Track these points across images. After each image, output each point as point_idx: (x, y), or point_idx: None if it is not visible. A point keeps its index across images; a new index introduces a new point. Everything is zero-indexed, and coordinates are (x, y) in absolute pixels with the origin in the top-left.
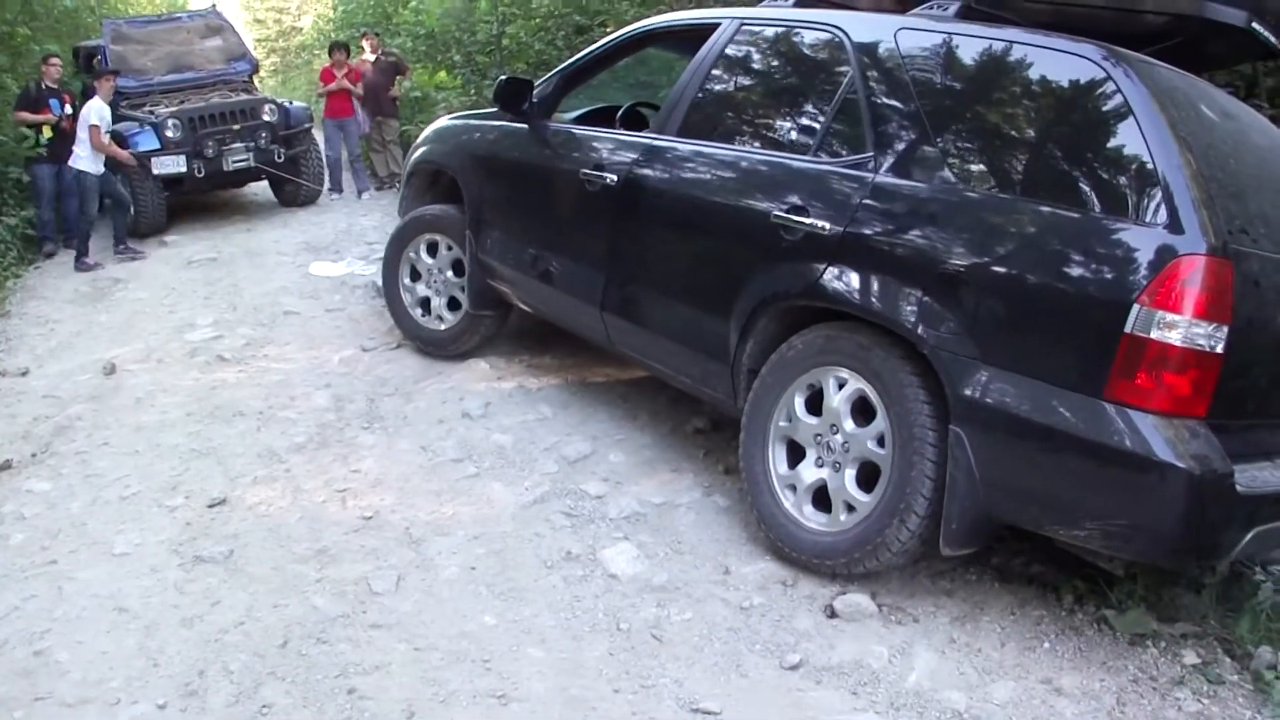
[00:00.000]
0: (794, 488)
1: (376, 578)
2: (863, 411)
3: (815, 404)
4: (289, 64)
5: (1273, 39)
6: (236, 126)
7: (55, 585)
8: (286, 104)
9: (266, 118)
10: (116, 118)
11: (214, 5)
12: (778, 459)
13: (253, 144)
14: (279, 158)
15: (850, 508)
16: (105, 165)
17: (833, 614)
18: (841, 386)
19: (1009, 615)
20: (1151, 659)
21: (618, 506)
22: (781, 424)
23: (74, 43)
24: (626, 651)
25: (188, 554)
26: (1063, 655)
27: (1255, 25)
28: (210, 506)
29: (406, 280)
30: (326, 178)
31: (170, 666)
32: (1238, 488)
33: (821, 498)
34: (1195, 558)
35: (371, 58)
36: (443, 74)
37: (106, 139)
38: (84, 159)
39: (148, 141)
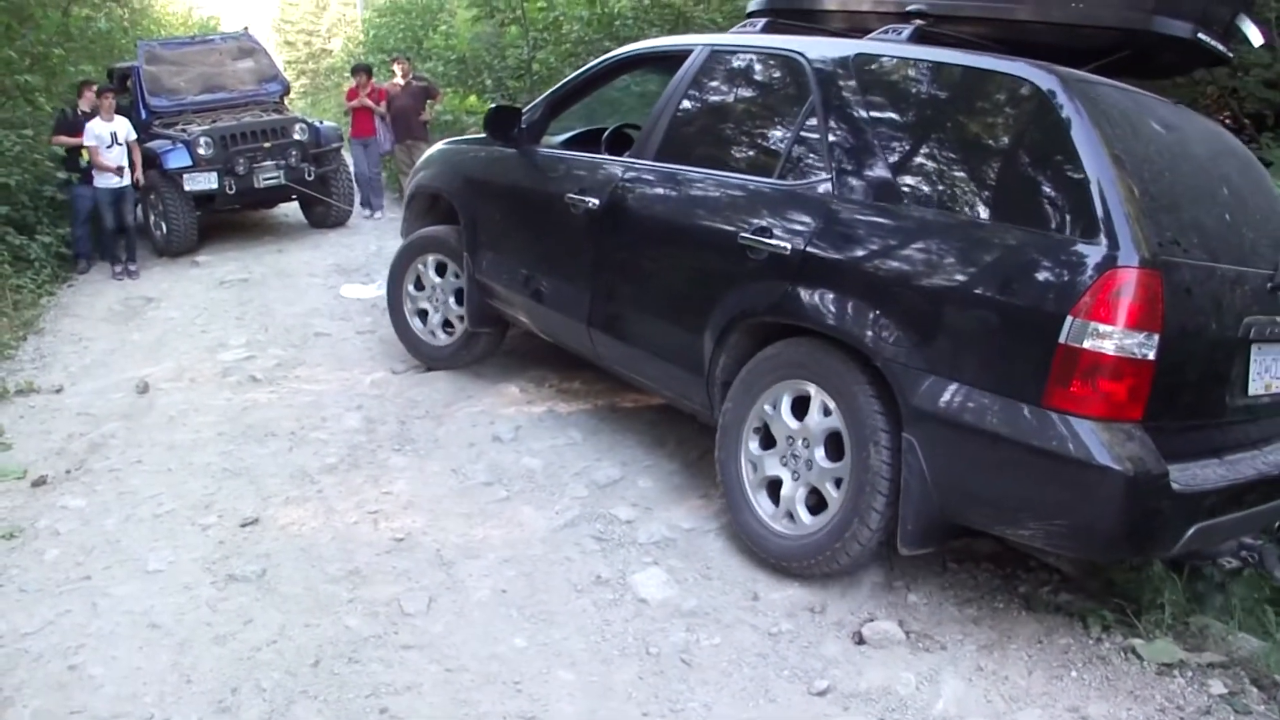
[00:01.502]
0: (765, 493)
1: (408, 599)
2: (831, 437)
3: (795, 412)
4: (319, 86)
5: (1220, 46)
6: (267, 144)
7: (89, 601)
8: (317, 123)
9: (297, 136)
10: (150, 136)
11: (246, 28)
12: (749, 466)
13: (283, 162)
14: (309, 176)
15: (816, 512)
16: (132, 186)
17: (860, 640)
18: (804, 397)
19: (1036, 643)
20: (1179, 688)
21: (647, 531)
22: (751, 438)
23: (108, 64)
24: (656, 675)
25: (220, 572)
26: (1090, 684)
27: (1201, 35)
28: (243, 525)
29: (409, 297)
30: (357, 196)
31: (203, 683)
32: (1174, 486)
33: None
34: (1135, 554)
35: (402, 82)
36: (473, 98)
37: (114, 154)
38: (96, 177)
39: (180, 159)
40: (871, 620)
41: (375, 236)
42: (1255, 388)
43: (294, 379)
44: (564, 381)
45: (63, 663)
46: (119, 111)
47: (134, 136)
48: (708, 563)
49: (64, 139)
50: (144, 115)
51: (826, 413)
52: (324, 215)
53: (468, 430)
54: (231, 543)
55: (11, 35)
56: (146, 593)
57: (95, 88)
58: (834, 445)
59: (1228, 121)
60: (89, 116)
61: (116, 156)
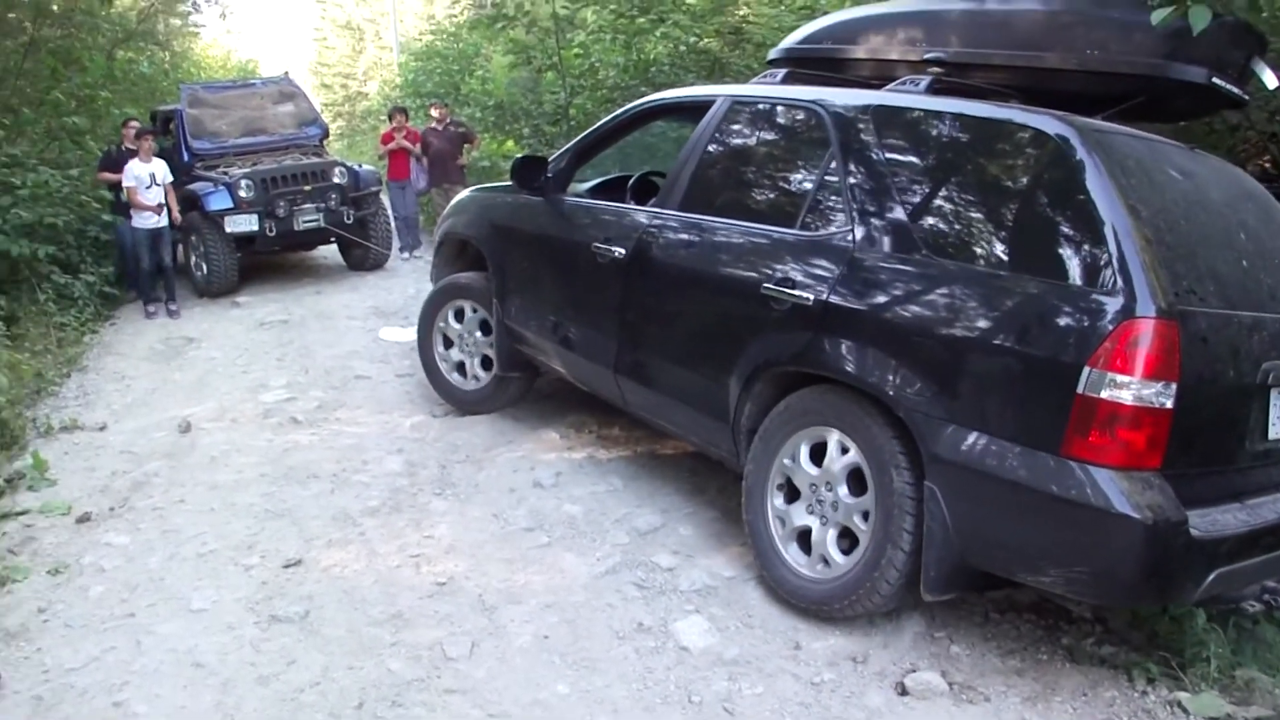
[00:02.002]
0: (792, 539)
1: (451, 643)
2: (852, 473)
3: (814, 459)
4: (354, 129)
5: (1235, 90)
6: (307, 188)
7: (134, 638)
8: (356, 167)
9: (336, 180)
10: (192, 178)
11: (286, 72)
12: (776, 506)
13: (323, 205)
14: (348, 219)
15: (843, 555)
16: (169, 225)
17: (904, 691)
18: (834, 447)
19: (1081, 696)
20: None
21: (689, 579)
22: (776, 494)
23: (151, 106)
24: None
25: (264, 613)
26: None
27: (1216, 80)
28: (286, 567)
29: (440, 346)
30: (395, 239)
31: None
32: (1194, 533)
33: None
34: (1155, 600)
35: (439, 126)
36: (510, 143)
37: (152, 194)
38: (133, 216)
39: (221, 201)
40: (914, 671)
41: (414, 279)
42: (1275, 432)
43: (335, 421)
44: (604, 428)
45: (108, 699)
46: (162, 153)
47: (171, 179)
48: (749, 611)
49: (107, 175)
50: (186, 157)
51: (847, 453)
52: (362, 258)
53: (508, 475)
54: (274, 583)
55: (58, 78)
56: (190, 631)
57: (135, 125)
58: (857, 487)
59: (1267, 166)
60: (132, 154)
61: (154, 197)
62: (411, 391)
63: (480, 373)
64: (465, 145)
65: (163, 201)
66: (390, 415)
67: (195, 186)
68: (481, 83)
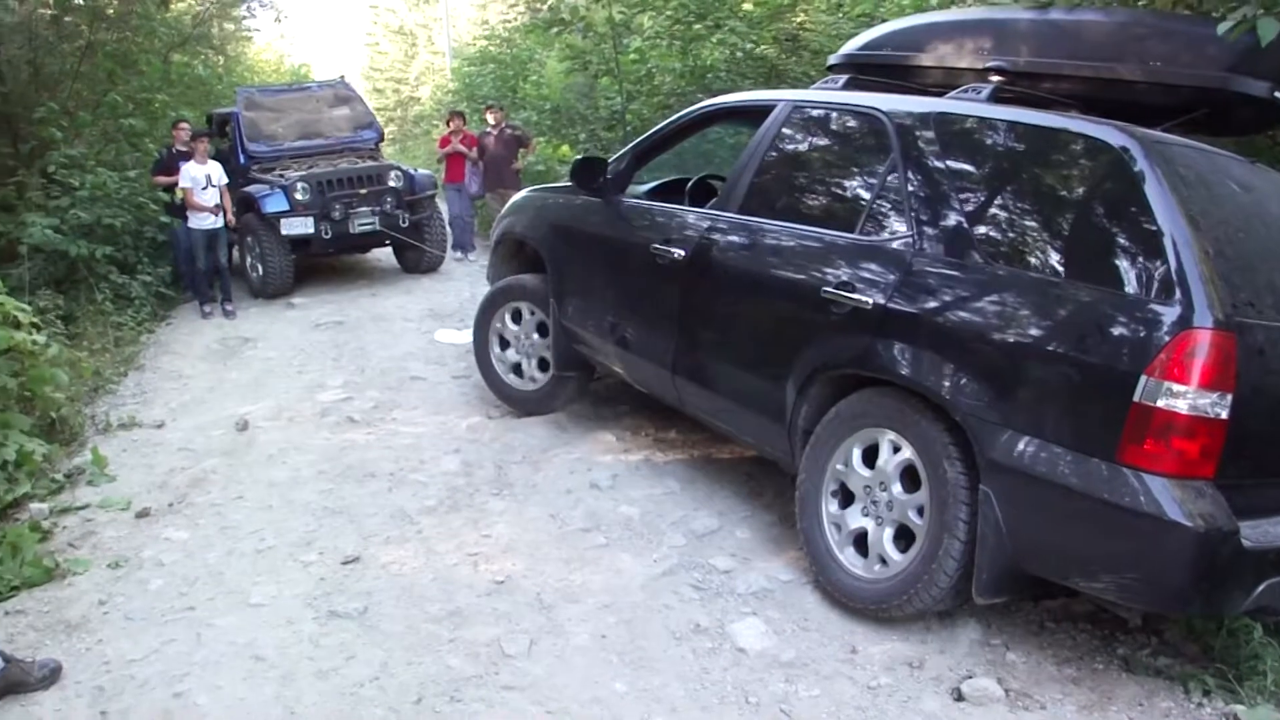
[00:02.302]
0: (848, 541)
1: (509, 641)
2: (906, 470)
3: (867, 461)
4: (406, 133)
5: None
6: (363, 191)
7: (194, 631)
8: (412, 171)
9: (392, 183)
10: (248, 180)
11: (342, 76)
12: (831, 512)
13: (378, 208)
14: (403, 222)
15: (900, 553)
16: (224, 226)
17: (959, 697)
18: (886, 447)
19: (1137, 705)
20: None
21: (745, 582)
22: (832, 485)
23: (206, 109)
24: None
25: (323, 608)
26: None
27: (1278, 94)
28: (344, 563)
29: (496, 346)
30: (450, 240)
31: (307, 716)
32: (1244, 543)
33: (864, 543)
34: (1204, 609)
35: (494, 130)
36: (565, 148)
37: (207, 196)
38: (189, 217)
39: (277, 203)
40: (970, 677)
41: (468, 282)
42: None
43: (391, 421)
44: (660, 431)
45: (168, 690)
46: (218, 156)
47: (225, 181)
48: (805, 614)
49: (162, 179)
50: (242, 160)
51: (900, 453)
52: (417, 260)
53: (565, 477)
54: (333, 580)
55: (115, 81)
56: (250, 625)
57: (186, 127)
58: (912, 488)
59: None
60: (184, 155)
61: (210, 198)
62: (467, 393)
63: (537, 374)
64: (520, 149)
65: (218, 203)
66: (446, 416)
67: (251, 189)
68: (536, 87)
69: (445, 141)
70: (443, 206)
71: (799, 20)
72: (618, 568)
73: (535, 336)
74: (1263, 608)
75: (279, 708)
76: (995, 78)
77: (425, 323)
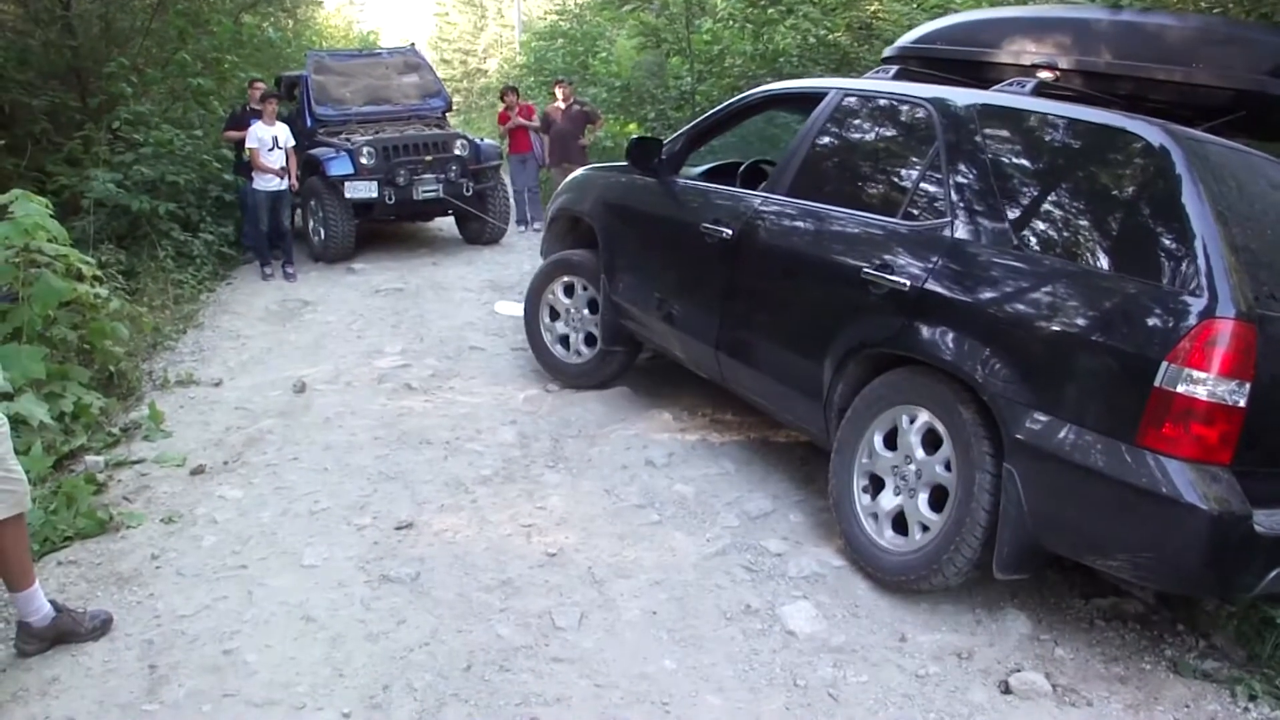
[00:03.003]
0: (875, 514)
1: (559, 613)
2: (933, 445)
3: (894, 439)
4: (472, 105)
5: None
6: (428, 158)
7: (245, 589)
8: (478, 141)
9: (458, 152)
10: (314, 143)
11: (412, 44)
12: (862, 487)
13: (442, 176)
14: (467, 191)
15: (922, 529)
16: (287, 189)
17: (1007, 690)
18: (915, 422)
19: (1183, 707)
20: None
21: (797, 565)
22: (864, 459)
23: (274, 71)
24: (803, 708)
25: (375, 572)
26: None
27: None
28: (397, 529)
29: (546, 319)
30: (513, 211)
31: (355, 678)
32: (1257, 529)
33: (898, 522)
34: (1216, 591)
35: (563, 105)
36: (633, 126)
37: (274, 158)
38: (254, 178)
39: (342, 167)
40: (1018, 670)
41: (529, 255)
42: None
43: (448, 390)
44: (717, 412)
45: (218, 647)
46: (286, 118)
47: (292, 143)
48: (856, 601)
49: (232, 134)
50: (309, 123)
51: (936, 438)
52: (479, 231)
53: (621, 453)
54: (386, 544)
55: (185, 39)
56: (301, 586)
57: (260, 86)
58: (943, 467)
59: None
60: (257, 114)
61: (276, 160)
62: (525, 366)
63: (583, 348)
64: (588, 125)
65: (284, 165)
66: (504, 387)
67: (317, 151)
68: (606, 64)
69: (504, 118)
70: (507, 180)
71: (873, 9)
72: (670, 545)
73: (585, 311)
74: (1274, 594)
75: (328, 668)
76: (1043, 74)
77: (485, 293)
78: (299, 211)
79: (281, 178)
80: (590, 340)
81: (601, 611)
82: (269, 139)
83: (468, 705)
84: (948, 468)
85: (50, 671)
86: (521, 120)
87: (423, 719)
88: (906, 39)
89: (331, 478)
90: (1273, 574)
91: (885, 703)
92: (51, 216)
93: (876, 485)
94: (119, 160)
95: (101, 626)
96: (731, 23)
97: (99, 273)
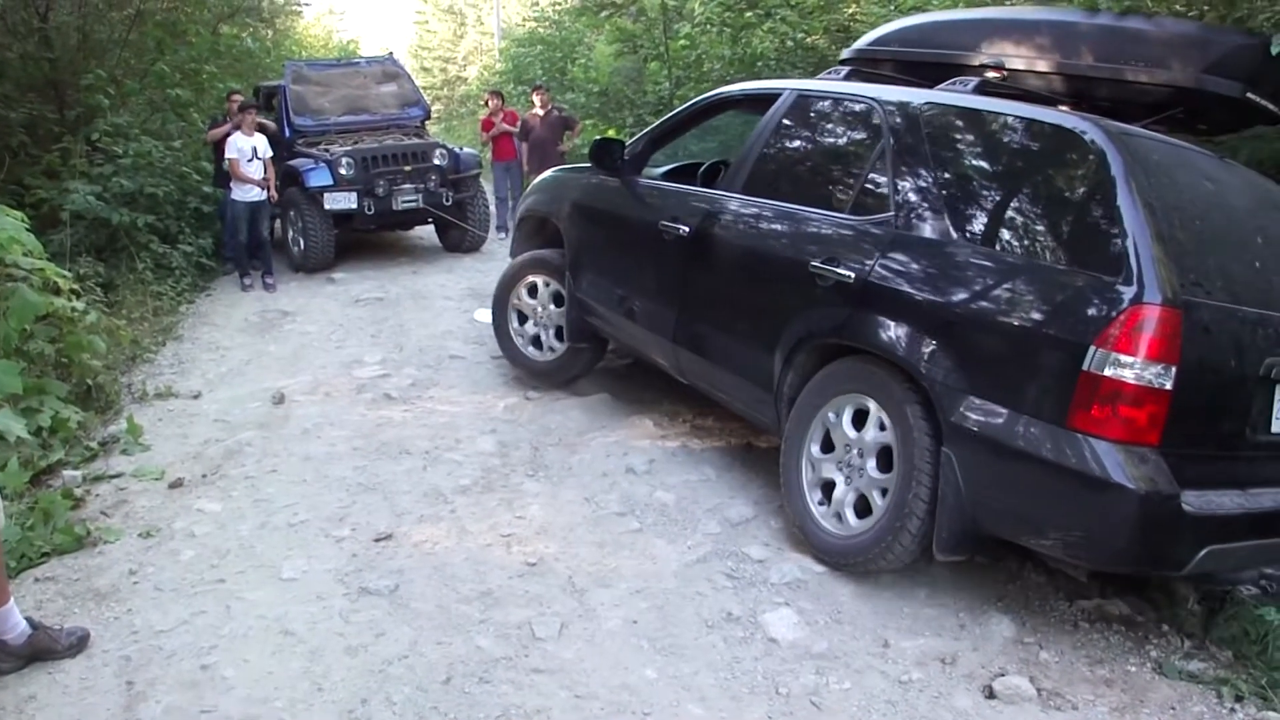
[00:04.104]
0: (823, 500)
1: (539, 623)
2: (878, 432)
3: (841, 428)
4: (452, 113)
5: (1271, 106)
6: (407, 168)
7: (223, 603)
8: (457, 150)
9: (437, 161)
10: (293, 154)
11: (390, 53)
12: (810, 474)
13: (422, 186)
14: (447, 201)
15: (868, 514)
16: (266, 199)
17: (991, 695)
18: (860, 411)
19: (1169, 709)
20: None
21: (779, 572)
22: (812, 447)
23: (253, 82)
24: (785, 716)
25: (354, 585)
26: None
27: (1250, 95)
28: (376, 540)
29: (514, 319)
30: (494, 219)
31: (334, 692)
32: (1185, 508)
33: (845, 507)
34: (1146, 568)
35: (541, 112)
36: (612, 131)
37: (253, 168)
38: (233, 188)
39: (321, 178)
40: (1003, 675)
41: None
42: None
43: (428, 399)
44: (698, 418)
45: (195, 662)
46: (263, 129)
47: (270, 154)
48: (838, 607)
49: (216, 132)
50: (288, 134)
51: (880, 426)
52: (459, 240)
53: (601, 460)
54: (365, 556)
55: (164, 50)
56: (280, 599)
57: (238, 98)
58: (885, 453)
59: None
60: (237, 126)
61: (255, 171)
62: (505, 373)
63: (554, 344)
64: (566, 132)
65: (263, 176)
66: (484, 396)
67: (296, 162)
68: (585, 70)
69: (488, 124)
70: (488, 187)
71: (850, 11)
72: (651, 553)
73: (551, 309)
74: (1209, 573)
75: (306, 683)
76: (991, 74)
77: (465, 302)
78: (278, 222)
79: (262, 188)
80: (559, 337)
81: (582, 621)
82: (249, 149)
83: (447, 718)
84: (891, 454)
85: (27, 689)
86: (506, 126)
87: None
88: (863, 41)
89: (310, 489)
90: (1204, 552)
91: (868, 710)
92: (28, 230)
93: (824, 473)
94: (97, 172)
95: (78, 643)
96: (709, 27)
97: (76, 286)
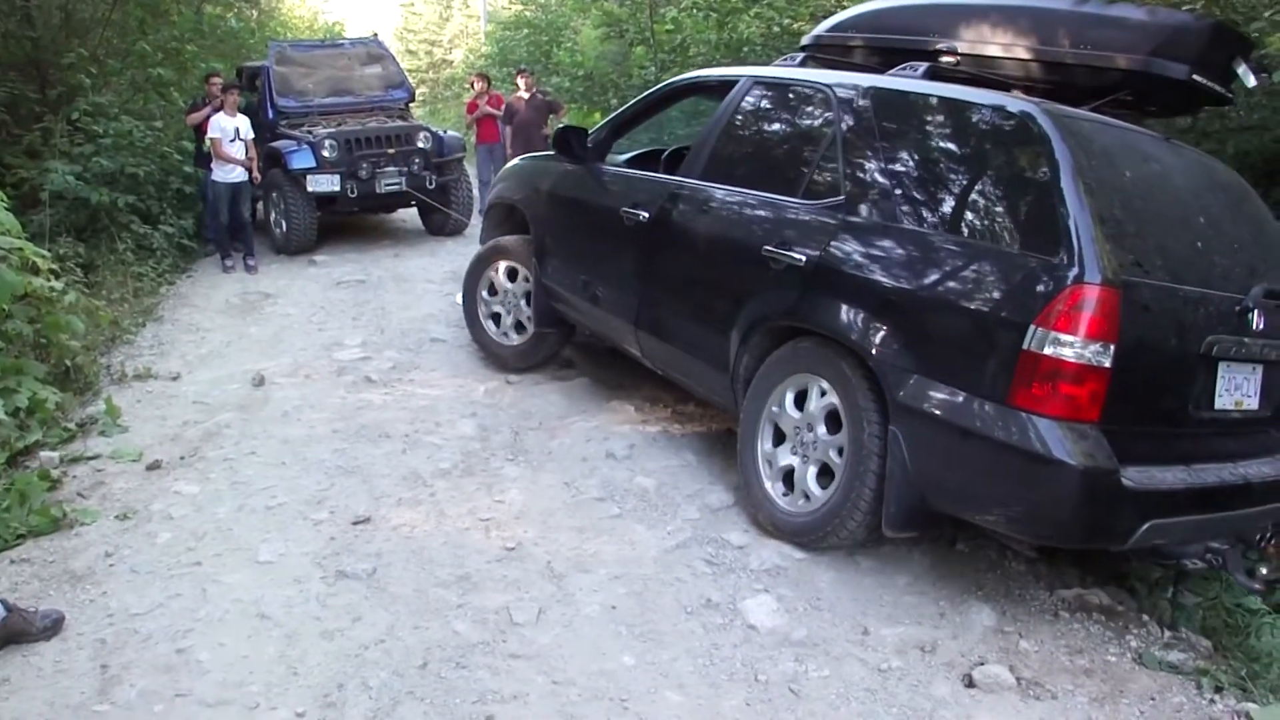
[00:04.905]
0: (778, 477)
1: (517, 608)
2: (829, 412)
3: (794, 408)
4: (438, 95)
5: (1217, 88)
6: (391, 151)
7: (199, 586)
8: (441, 133)
9: (420, 144)
10: (276, 136)
11: (375, 34)
12: (765, 454)
13: (405, 169)
14: (430, 184)
15: (821, 491)
16: (248, 180)
17: (970, 684)
18: (813, 392)
19: (1149, 700)
20: None
21: (759, 558)
22: (766, 427)
23: (236, 62)
24: (764, 703)
25: (331, 568)
26: None
27: (1196, 77)
28: (354, 524)
29: (484, 306)
30: (477, 202)
31: (310, 677)
32: (1126, 483)
33: (800, 485)
34: (1087, 542)
35: (525, 95)
36: (597, 115)
37: (235, 149)
38: (214, 169)
39: (304, 160)
40: (982, 664)
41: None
42: (1223, 403)
43: (408, 382)
44: (679, 404)
45: (171, 645)
46: (247, 109)
47: (252, 135)
48: (818, 594)
49: (195, 115)
50: (271, 115)
51: (831, 406)
52: (442, 223)
53: (581, 445)
54: (342, 540)
55: (146, 30)
56: (256, 583)
57: (218, 80)
58: (835, 428)
59: None
60: (217, 108)
61: (236, 151)
62: (486, 357)
63: (517, 331)
64: (551, 115)
65: (250, 155)
66: (464, 380)
67: (279, 144)
68: (570, 54)
69: (473, 107)
70: (472, 170)
71: None
72: (631, 539)
73: (519, 294)
74: (1154, 549)
75: (282, 667)
76: (945, 59)
77: (447, 285)
78: (260, 203)
79: (247, 168)
80: (518, 328)
81: (560, 607)
82: (231, 130)
83: (423, 703)
84: (841, 433)
85: (1, 672)
86: (489, 109)
87: (377, 717)
88: (821, 27)
89: (289, 472)
90: (1146, 526)
91: (847, 698)
92: (7, 209)
93: (780, 457)
94: (78, 152)
95: (53, 626)
96: (695, 11)
97: (55, 266)
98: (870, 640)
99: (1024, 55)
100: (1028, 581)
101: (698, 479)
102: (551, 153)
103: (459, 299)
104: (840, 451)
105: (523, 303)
